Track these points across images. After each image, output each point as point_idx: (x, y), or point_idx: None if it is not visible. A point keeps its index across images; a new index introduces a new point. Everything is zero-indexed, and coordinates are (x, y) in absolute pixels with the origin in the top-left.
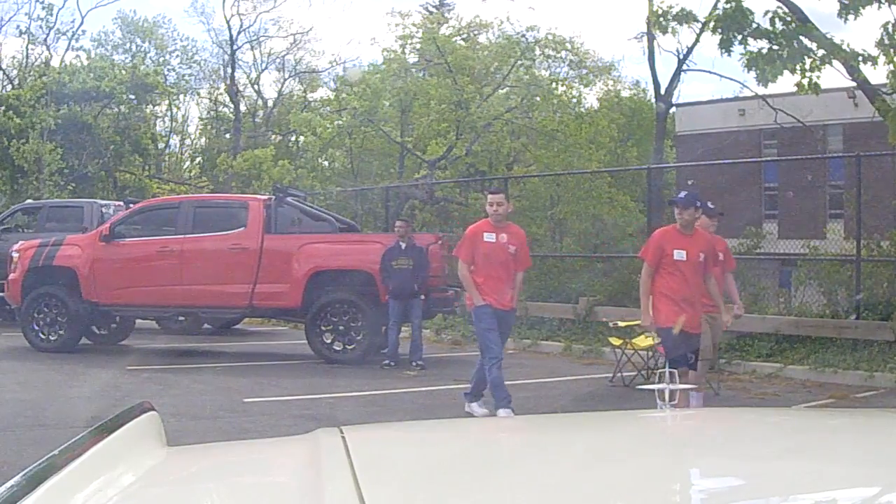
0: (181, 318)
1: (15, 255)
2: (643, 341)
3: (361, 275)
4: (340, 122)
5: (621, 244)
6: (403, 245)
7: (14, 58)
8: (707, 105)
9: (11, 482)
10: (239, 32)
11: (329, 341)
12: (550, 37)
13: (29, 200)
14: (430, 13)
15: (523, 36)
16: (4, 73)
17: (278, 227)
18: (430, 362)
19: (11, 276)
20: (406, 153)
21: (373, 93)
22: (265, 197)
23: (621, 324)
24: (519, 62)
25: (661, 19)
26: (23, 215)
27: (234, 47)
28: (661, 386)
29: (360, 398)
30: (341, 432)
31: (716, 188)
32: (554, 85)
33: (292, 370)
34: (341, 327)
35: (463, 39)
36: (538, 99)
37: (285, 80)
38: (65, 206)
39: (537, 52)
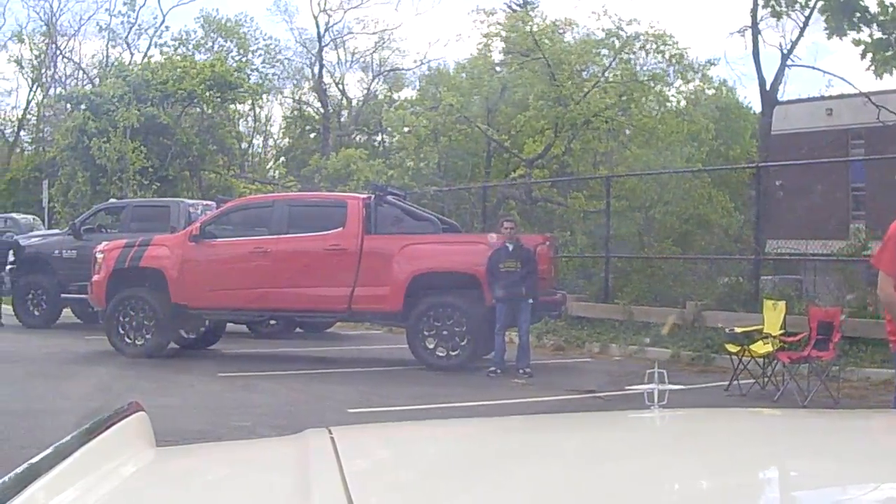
0: (273, 322)
1: (99, 255)
2: (761, 348)
3: (466, 277)
4: (436, 119)
5: (727, 246)
6: (511, 246)
7: (95, 56)
8: (794, 105)
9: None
10: (326, 30)
11: (432, 347)
12: (650, 30)
13: (112, 200)
14: (514, 11)
15: (621, 30)
16: (84, 73)
17: (378, 227)
18: (536, 369)
19: (95, 277)
20: (495, 152)
21: (469, 89)
22: (364, 196)
23: (738, 329)
24: (618, 57)
25: (774, 3)
26: (106, 215)
27: (322, 44)
28: (650, 387)
29: (470, 410)
30: (330, 433)
31: (804, 188)
32: (653, 82)
33: (393, 377)
34: (445, 332)
35: (548, 38)
36: (636, 95)
37: (373, 78)
38: (150, 206)
39: (636, 46)
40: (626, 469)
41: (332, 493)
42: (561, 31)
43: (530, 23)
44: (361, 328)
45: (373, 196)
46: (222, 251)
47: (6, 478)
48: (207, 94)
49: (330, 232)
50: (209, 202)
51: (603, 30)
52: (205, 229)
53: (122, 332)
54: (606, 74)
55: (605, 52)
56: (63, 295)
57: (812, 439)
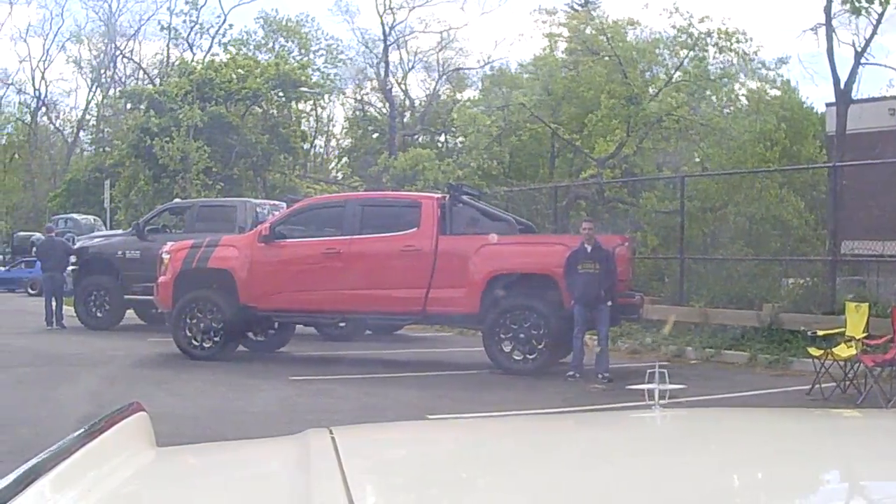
0: (342, 324)
1: (165, 256)
2: (844, 351)
3: (544, 279)
4: (507, 119)
5: (802, 247)
6: (589, 247)
7: (157, 55)
8: (857, 105)
9: (1, 483)
10: (391, 28)
11: (508, 350)
12: (722, 28)
13: (177, 199)
14: (576, 11)
15: (692, 26)
16: (145, 73)
17: (454, 227)
18: (614, 374)
19: (162, 278)
20: (559, 152)
21: (541, 87)
22: (439, 195)
23: (820, 332)
24: (689, 54)
25: None
26: (170, 215)
27: (387, 43)
28: (650, 386)
29: None
30: (331, 433)
31: (871, 190)
32: (724, 80)
33: (469, 382)
34: (522, 335)
35: (608, 38)
36: (708, 93)
37: (440, 77)
38: (216, 206)
39: (709, 43)
40: (626, 468)
41: (333, 492)
42: (623, 30)
43: (597, 22)
44: (431, 330)
45: (448, 196)
46: (293, 252)
47: (8, 477)
48: (272, 92)
49: (404, 232)
50: (276, 202)
51: (674, 27)
52: (275, 229)
53: (188, 334)
54: (677, 72)
55: (666, 51)
56: (126, 296)
57: (814, 438)
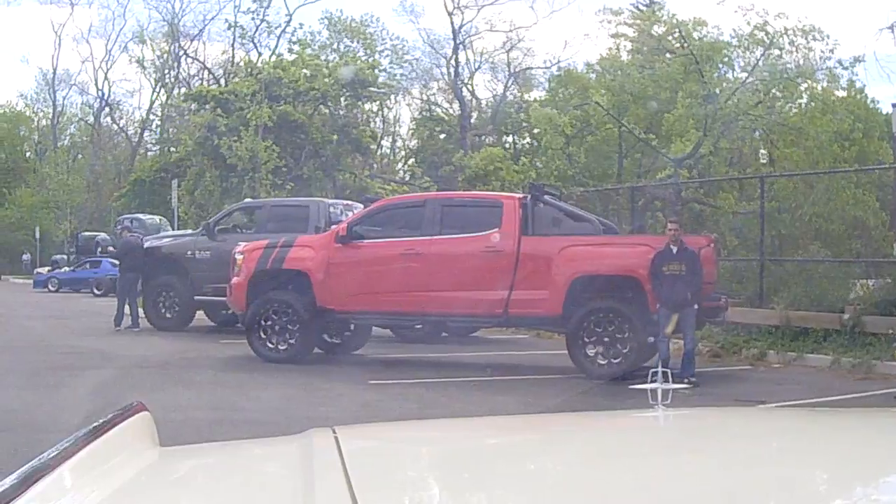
0: (418, 326)
1: (239, 256)
2: None
3: (629, 281)
4: (583, 118)
5: (884, 247)
6: (675, 249)
7: (224, 53)
8: None
9: (4, 483)
10: (461, 27)
11: (592, 354)
12: (798, 26)
13: (247, 199)
14: (641, 11)
15: (768, 24)
16: (210, 73)
17: (536, 227)
18: (698, 378)
19: (235, 279)
20: (629, 152)
21: (618, 87)
22: (520, 195)
23: None
24: (766, 52)
25: None
26: (241, 215)
27: (457, 42)
28: (653, 385)
29: None
30: (334, 432)
31: None
32: (800, 79)
33: (553, 386)
34: (606, 339)
35: (682, 36)
36: (778, 93)
37: (509, 77)
38: (288, 206)
39: (785, 41)
40: (628, 468)
41: (337, 492)
42: (680, 32)
43: (670, 20)
44: (507, 332)
45: (529, 195)
46: (371, 253)
47: (11, 477)
48: (340, 92)
49: (485, 233)
50: (349, 202)
51: (750, 24)
52: (352, 230)
53: (263, 336)
54: (752, 71)
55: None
56: (196, 297)
57: (818, 438)
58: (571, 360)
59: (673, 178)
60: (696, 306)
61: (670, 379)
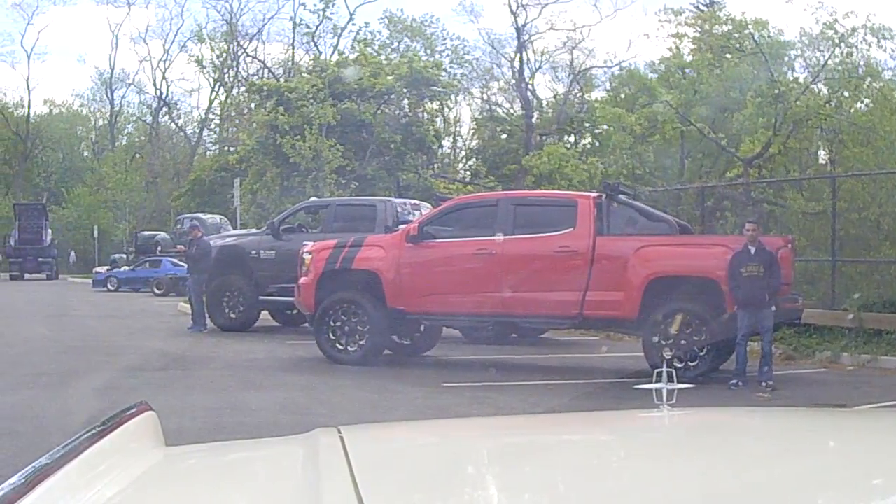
0: (489, 327)
1: (307, 256)
2: None
3: (706, 282)
4: (652, 117)
5: None
6: (753, 249)
7: (287, 50)
8: None
9: (10, 482)
10: (524, 25)
11: (668, 357)
12: (868, 24)
13: (313, 198)
14: (702, 11)
15: (837, 22)
16: (270, 72)
17: (611, 227)
18: (775, 381)
19: (303, 279)
20: (690, 151)
21: (689, 86)
22: (594, 194)
23: None
24: (835, 51)
25: None
26: (306, 214)
27: (521, 40)
28: (658, 385)
29: None
30: (339, 432)
31: None
32: (870, 77)
33: (631, 391)
34: (683, 341)
35: (737, 39)
36: (846, 93)
37: (574, 76)
38: (354, 205)
39: (855, 39)
40: (632, 468)
41: (343, 492)
42: (749, 31)
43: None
44: (576, 334)
45: (604, 194)
46: (443, 253)
47: (16, 477)
48: (404, 91)
49: (559, 232)
50: (416, 201)
51: (819, 22)
52: (423, 229)
53: (332, 337)
54: (821, 70)
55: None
56: (261, 297)
57: (821, 438)
58: (648, 363)
59: (742, 178)
60: (773, 308)
61: (675, 379)
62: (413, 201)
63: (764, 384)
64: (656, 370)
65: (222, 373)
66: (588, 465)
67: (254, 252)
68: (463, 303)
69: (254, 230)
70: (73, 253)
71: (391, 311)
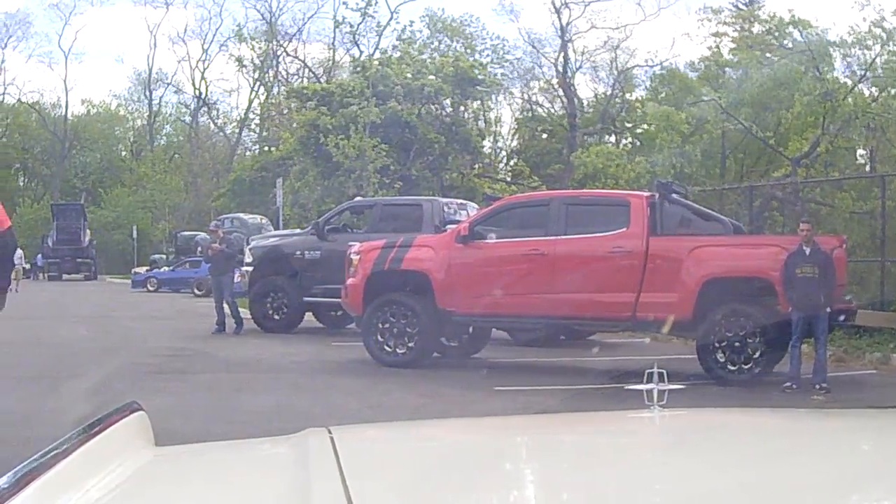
0: (537, 329)
1: (355, 257)
2: None
3: (761, 283)
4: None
5: None
6: (808, 250)
7: (329, 49)
8: None
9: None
10: (568, 24)
11: (723, 360)
12: None
13: (358, 198)
14: (741, 10)
15: (884, 20)
16: (311, 71)
17: (664, 227)
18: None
19: (351, 280)
20: (730, 152)
21: (737, 85)
22: (648, 193)
23: None
24: (884, 48)
25: None
26: (351, 214)
27: (564, 39)
28: (649, 386)
29: None
30: (329, 432)
31: None
32: None
33: (685, 394)
34: (737, 343)
35: (774, 37)
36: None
37: (618, 75)
38: (401, 205)
39: None
40: (624, 469)
41: (332, 492)
42: (788, 30)
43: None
44: (623, 336)
45: (657, 194)
46: (494, 253)
47: (6, 476)
48: (450, 90)
49: (612, 233)
50: (463, 201)
51: (866, 20)
52: (474, 229)
53: (380, 339)
54: (869, 67)
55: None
56: (305, 298)
57: (812, 439)
58: (701, 365)
59: (791, 178)
60: (828, 310)
61: (666, 379)
62: (459, 201)
63: (818, 386)
64: (647, 371)
65: (269, 376)
66: (578, 466)
67: (298, 253)
68: (514, 304)
69: (298, 230)
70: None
71: (441, 312)
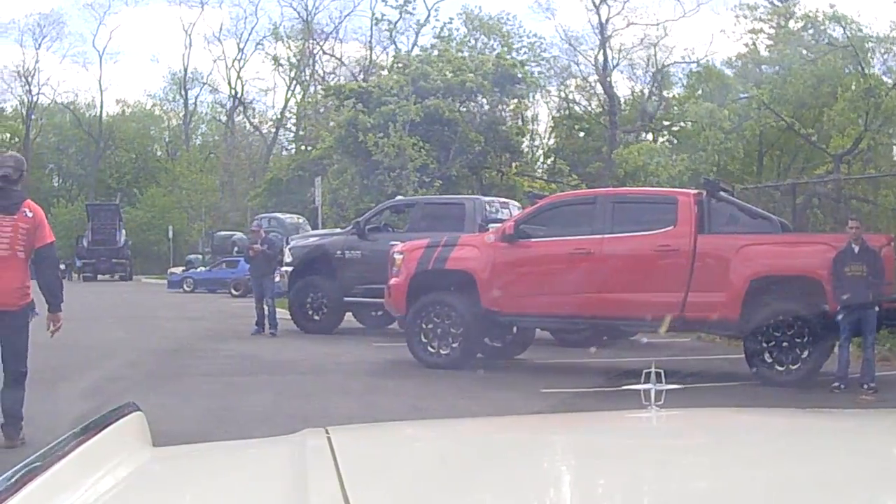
0: (581, 329)
1: (398, 256)
2: None
3: (809, 282)
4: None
5: None
6: (856, 248)
7: (365, 47)
8: None
9: None
10: (607, 20)
11: (770, 360)
12: None
13: (399, 197)
14: (776, 6)
15: None
16: (348, 69)
17: (712, 225)
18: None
19: (394, 280)
20: (766, 150)
21: (781, 81)
22: (695, 191)
23: None
24: None
25: None
26: (391, 213)
27: (604, 36)
28: (646, 386)
29: None
30: (327, 433)
31: None
32: None
33: (733, 396)
34: (784, 343)
35: (810, 34)
36: None
37: (656, 71)
38: (442, 203)
39: None
40: (622, 469)
41: (329, 492)
42: (822, 26)
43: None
44: (666, 336)
45: (704, 191)
46: (540, 252)
47: (3, 477)
48: (489, 86)
49: (659, 231)
50: (505, 200)
51: None
52: (519, 228)
53: (424, 340)
54: None
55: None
56: (346, 298)
57: (810, 439)
58: (749, 366)
59: (834, 174)
60: (876, 309)
61: (663, 379)
62: (501, 199)
63: (865, 386)
64: (645, 371)
65: (311, 377)
66: (575, 467)
67: (339, 252)
68: (559, 304)
69: (338, 230)
70: None
71: (485, 312)
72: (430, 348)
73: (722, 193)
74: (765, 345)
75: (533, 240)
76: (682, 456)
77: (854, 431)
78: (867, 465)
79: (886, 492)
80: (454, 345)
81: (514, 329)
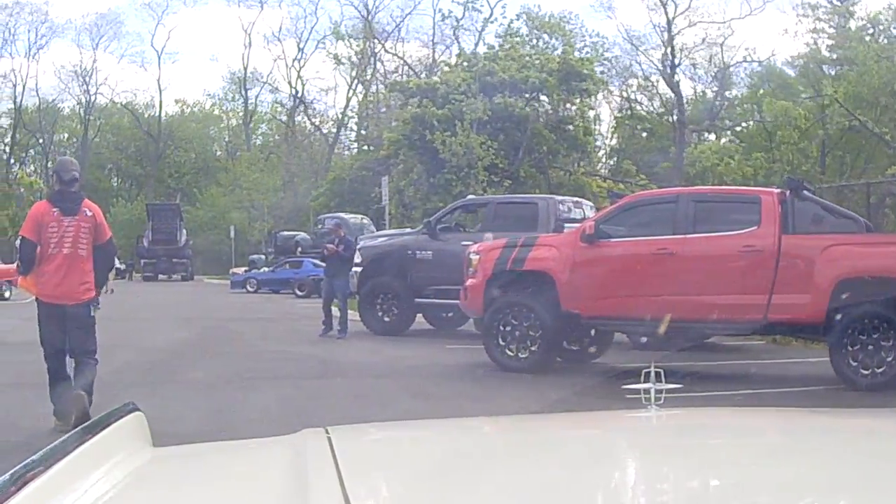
0: (657, 331)
1: (474, 257)
2: None
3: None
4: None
5: None
6: None
7: (424, 46)
8: None
9: None
10: (673, 18)
11: (856, 364)
12: None
13: (470, 196)
14: (835, 6)
15: None
16: (410, 68)
17: (796, 225)
18: None
19: (471, 281)
20: (828, 150)
21: (858, 80)
22: (778, 190)
23: None
24: None
25: None
26: (462, 213)
27: (671, 33)
28: (646, 385)
29: None
30: (327, 433)
31: None
32: None
33: (821, 401)
34: (871, 347)
35: (870, 33)
36: None
37: (721, 70)
38: (515, 203)
39: None
40: (622, 469)
41: (330, 492)
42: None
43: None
44: (740, 339)
45: (788, 190)
46: (621, 252)
47: (3, 477)
48: (554, 83)
49: (742, 231)
50: (578, 199)
51: None
52: (600, 228)
53: (502, 343)
54: None
55: None
56: (417, 299)
57: (810, 438)
58: (833, 370)
59: None
60: None
61: (663, 379)
62: (574, 199)
63: None
64: (644, 370)
65: (385, 381)
66: (575, 466)
67: (410, 253)
68: (640, 306)
69: (408, 230)
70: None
71: (565, 314)
72: (507, 351)
73: (805, 192)
74: (850, 348)
75: (613, 240)
76: (683, 456)
77: (855, 431)
78: (867, 465)
79: (887, 492)
80: (533, 348)
81: (593, 332)
